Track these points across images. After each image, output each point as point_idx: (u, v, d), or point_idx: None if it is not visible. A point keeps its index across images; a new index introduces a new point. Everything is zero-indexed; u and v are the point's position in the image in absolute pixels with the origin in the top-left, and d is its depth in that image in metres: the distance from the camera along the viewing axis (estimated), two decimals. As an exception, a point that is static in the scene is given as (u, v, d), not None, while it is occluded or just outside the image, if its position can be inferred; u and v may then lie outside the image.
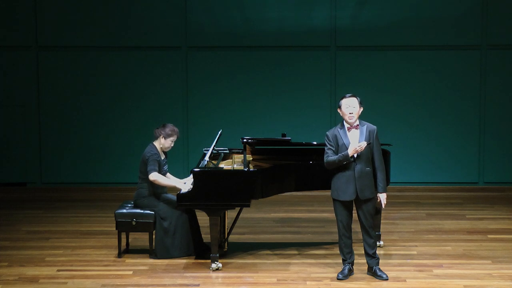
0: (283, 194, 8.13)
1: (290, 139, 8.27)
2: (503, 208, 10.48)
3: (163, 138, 8.07)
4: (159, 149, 8.09)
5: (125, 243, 8.25)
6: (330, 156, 7.13)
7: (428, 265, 7.74)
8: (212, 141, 8.37)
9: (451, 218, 9.89)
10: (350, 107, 7.13)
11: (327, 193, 7.41)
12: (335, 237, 8.59)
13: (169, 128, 8.09)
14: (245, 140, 8.15)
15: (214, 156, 8.64)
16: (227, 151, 8.85)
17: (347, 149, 7.07)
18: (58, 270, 7.59)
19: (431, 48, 11.46)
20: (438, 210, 10.36)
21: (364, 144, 7.00)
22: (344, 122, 7.19)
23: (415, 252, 8.22)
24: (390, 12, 11.39)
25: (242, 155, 8.36)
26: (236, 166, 8.42)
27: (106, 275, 7.46)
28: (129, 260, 7.95)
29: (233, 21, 11.46)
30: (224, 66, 11.56)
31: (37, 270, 7.60)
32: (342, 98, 7.22)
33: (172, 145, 8.17)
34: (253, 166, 8.06)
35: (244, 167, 7.77)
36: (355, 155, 7.09)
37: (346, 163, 7.10)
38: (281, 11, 11.43)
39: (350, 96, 7.19)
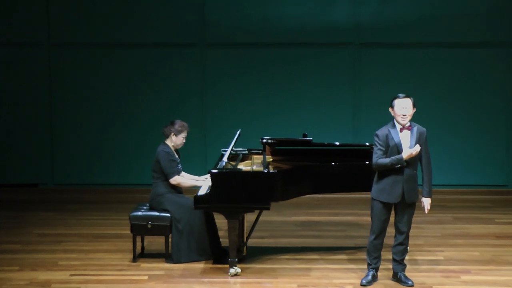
0: (304, 196, 8.06)
1: (311, 140, 8.23)
2: (532, 212, 10.43)
3: (174, 136, 8.00)
4: (172, 148, 8.02)
5: (140, 247, 8.22)
6: (380, 158, 7.00)
7: (455, 271, 7.66)
8: (230, 140, 8.31)
9: (479, 222, 9.82)
10: (405, 108, 7.03)
11: (349, 196, 7.38)
12: (358, 242, 8.69)
13: (178, 124, 8.02)
14: (264, 140, 8.15)
15: (233, 157, 8.58)
16: (246, 152, 8.80)
17: (398, 149, 6.97)
18: (71, 275, 7.56)
19: (456, 46, 11.32)
20: (465, 214, 10.30)
21: (418, 148, 6.93)
22: (395, 122, 7.09)
23: (441, 258, 8.14)
24: (415, 7, 11.26)
25: (262, 156, 8.32)
26: (255, 168, 8.32)
27: (120, 280, 7.41)
28: (145, 264, 7.90)
29: (251, 18, 11.38)
30: (242, 63, 11.47)
31: (50, 275, 7.56)
32: (394, 98, 7.09)
33: (184, 141, 8.09)
34: (273, 168, 7.97)
35: (263, 169, 7.68)
36: None
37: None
38: (301, 7, 11.33)
39: (404, 97, 7.08)
